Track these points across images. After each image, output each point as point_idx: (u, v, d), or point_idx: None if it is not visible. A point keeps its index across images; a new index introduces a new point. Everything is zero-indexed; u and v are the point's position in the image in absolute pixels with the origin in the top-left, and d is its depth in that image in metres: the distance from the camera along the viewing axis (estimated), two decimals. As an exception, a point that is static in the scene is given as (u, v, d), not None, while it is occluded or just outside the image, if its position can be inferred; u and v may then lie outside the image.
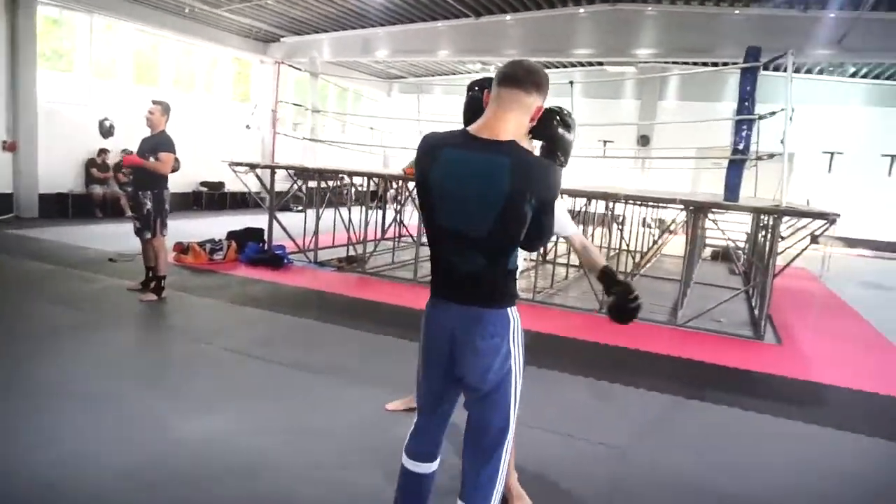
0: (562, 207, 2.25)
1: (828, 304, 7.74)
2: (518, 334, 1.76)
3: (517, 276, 1.80)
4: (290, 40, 14.10)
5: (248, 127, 14.39)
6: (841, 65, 13.86)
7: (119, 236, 7.64)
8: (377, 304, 5.81)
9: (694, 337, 5.46)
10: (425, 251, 8.58)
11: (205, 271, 6.62)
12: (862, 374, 4.67)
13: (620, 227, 7.92)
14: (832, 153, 15.24)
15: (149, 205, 5.19)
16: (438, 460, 1.95)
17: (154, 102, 5.26)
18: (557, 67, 17.02)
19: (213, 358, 3.99)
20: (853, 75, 14.75)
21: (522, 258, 1.98)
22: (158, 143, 5.14)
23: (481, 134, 1.66)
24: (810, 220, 5.71)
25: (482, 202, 1.62)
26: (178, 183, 11.84)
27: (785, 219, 5.78)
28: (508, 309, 1.75)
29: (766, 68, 5.79)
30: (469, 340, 1.72)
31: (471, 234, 1.66)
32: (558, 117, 1.93)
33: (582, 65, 16.24)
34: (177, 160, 5.27)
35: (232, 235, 7.51)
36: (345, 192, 9.60)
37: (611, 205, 7.00)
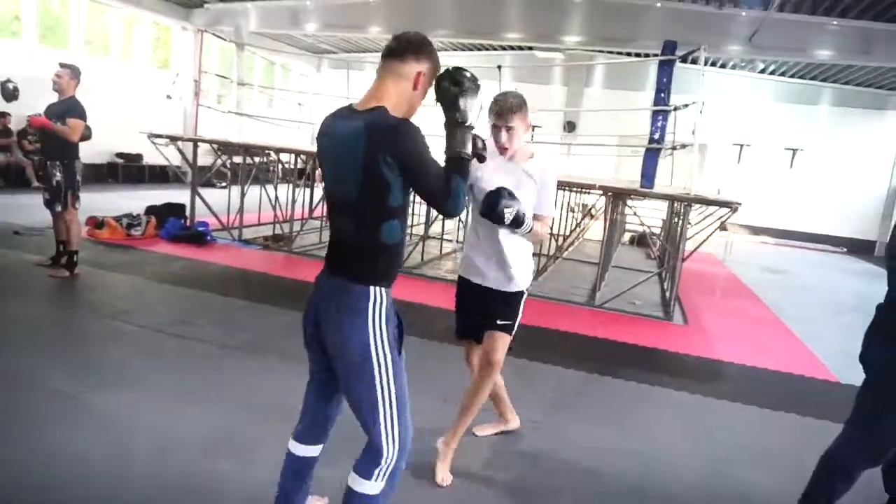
0: (554, 187, 2.60)
1: (731, 287, 8.31)
2: (379, 315, 1.75)
3: (396, 254, 1.81)
4: (214, 7, 13.52)
5: (168, 97, 13.78)
6: (752, 61, 14.71)
7: (26, 208, 7.20)
8: (303, 284, 5.78)
9: (610, 317, 5.75)
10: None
11: (121, 247, 6.36)
12: (755, 351, 5.08)
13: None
14: (741, 145, 16.21)
15: (59, 176, 4.92)
16: (319, 445, 2.02)
17: (62, 66, 4.96)
18: (488, 50, 17.17)
19: (128, 335, 3.88)
20: (762, 71, 15.70)
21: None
22: (67, 108, 4.85)
23: (359, 106, 1.75)
24: (717, 207, 6.09)
25: (347, 167, 1.70)
26: (91, 153, 11.26)
27: (696, 206, 6.16)
28: (372, 287, 1.74)
29: (683, 61, 6.10)
30: (328, 311, 1.78)
31: (343, 198, 1.74)
32: (445, 73, 1.81)
33: (512, 48, 16.45)
34: (87, 128, 5.00)
35: (151, 210, 7.23)
36: (271, 168, 9.41)
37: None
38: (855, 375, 2.31)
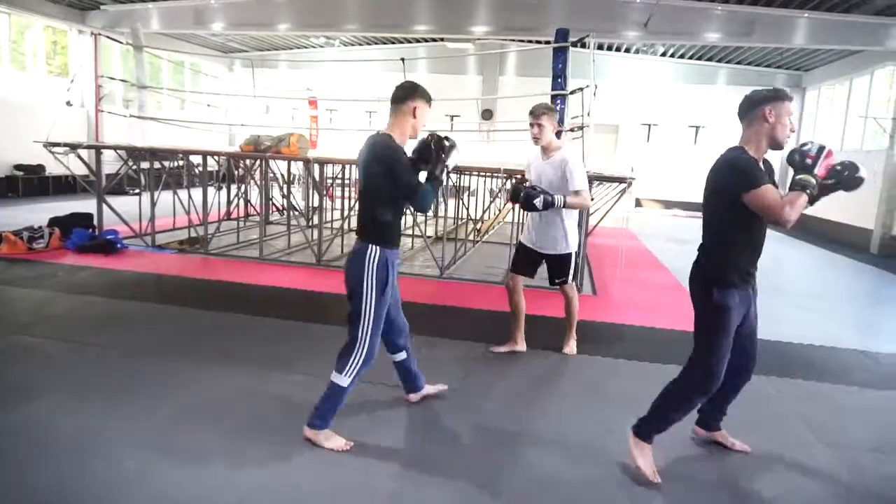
0: (578, 168, 3.78)
1: (639, 258, 8.81)
2: (373, 262, 2.68)
3: (389, 227, 2.73)
4: (111, 8, 13.01)
5: (69, 104, 13.14)
6: (652, 45, 15.48)
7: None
8: (219, 284, 5.77)
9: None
10: (272, 229, 8.57)
11: (22, 261, 6.12)
12: (656, 315, 5.47)
13: (464, 197, 8.38)
14: (650, 125, 17.05)
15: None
16: (402, 352, 3.11)
17: None
18: (401, 43, 17.28)
19: (34, 349, 3.80)
20: (664, 55, 16.55)
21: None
22: None
23: (381, 129, 2.80)
24: (616, 183, 6.45)
25: (361, 168, 2.76)
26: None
27: (605, 184, 6.50)
28: (370, 245, 2.70)
29: (583, 46, 6.42)
30: (348, 258, 2.79)
31: (361, 189, 2.79)
32: (431, 141, 2.79)
33: (425, 40, 16.63)
34: None
35: (55, 222, 6.96)
36: (183, 172, 9.21)
37: (455, 176, 7.43)
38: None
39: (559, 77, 6.33)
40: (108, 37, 8.34)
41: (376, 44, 17.60)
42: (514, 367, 4.00)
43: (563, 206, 3.71)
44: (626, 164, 14.33)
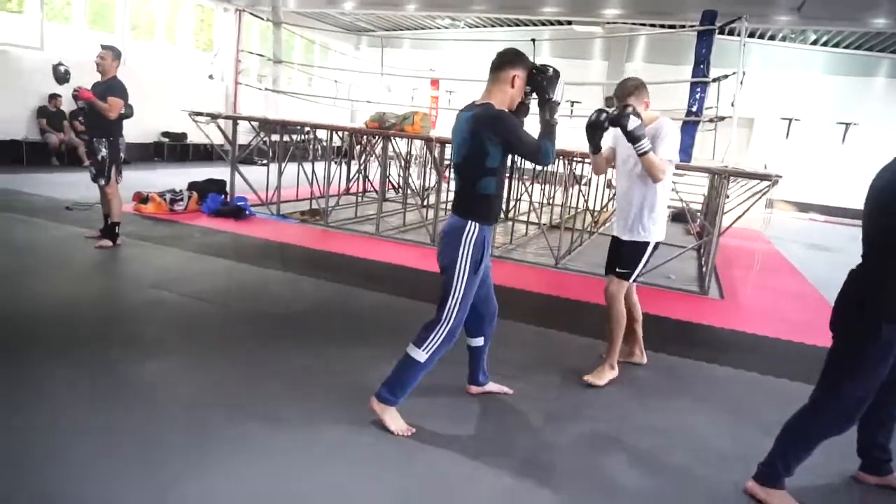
0: (669, 138, 3.23)
1: (772, 263, 8.09)
2: (470, 240, 2.55)
3: (490, 202, 2.60)
4: (254, -13, 13.70)
5: (210, 77, 14.08)
6: (802, 32, 14.12)
7: (77, 185, 7.51)
8: (335, 256, 5.92)
9: (644, 291, 5.65)
10: (388, 207, 8.70)
11: (165, 221, 6.61)
12: (791, 326, 4.97)
13: (581, 186, 8.07)
14: (790, 119, 15.63)
15: (104, 151, 5.16)
16: (481, 338, 2.97)
17: (104, 47, 5.17)
18: (527, 25, 16.93)
19: (169, 304, 4.07)
20: (814, 43, 15.05)
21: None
22: (108, 87, 5.08)
23: (478, 101, 2.60)
24: (756, 181, 5.93)
25: (458, 141, 2.59)
26: (139, 133, 11.68)
27: (735, 180, 6.01)
28: (470, 221, 2.57)
29: (721, 32, 5.92)
30: (443, 233, 2.69)
31: (457, 162, 2.64)
32: (534, 68, 2.62)
33: (551, 23, 16.18)
34: (129, 107, 5.22)
35: (193, 186, 7.46)
36: (309, 146, 9.57)
37: (572, 164, 7.15)
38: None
39: (701, 63, 5.87)
40: (251, 13, 8.72)
41: (501, 26, 17.36)
42: (625, 370, 3.76)
43: (643, 154, 3.08)
44: (759, 161, 13.25)
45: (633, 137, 3.02)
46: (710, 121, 5.95)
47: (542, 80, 2.59)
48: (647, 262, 3.38)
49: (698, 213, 10.27)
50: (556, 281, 5.83)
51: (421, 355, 2.59)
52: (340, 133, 8.48)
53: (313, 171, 7.91)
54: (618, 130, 3.19)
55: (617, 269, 3.43)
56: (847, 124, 15.15)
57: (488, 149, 2.48)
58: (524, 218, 8.32)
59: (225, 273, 4.97)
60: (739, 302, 5.71)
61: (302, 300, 4.48)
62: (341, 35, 18.57)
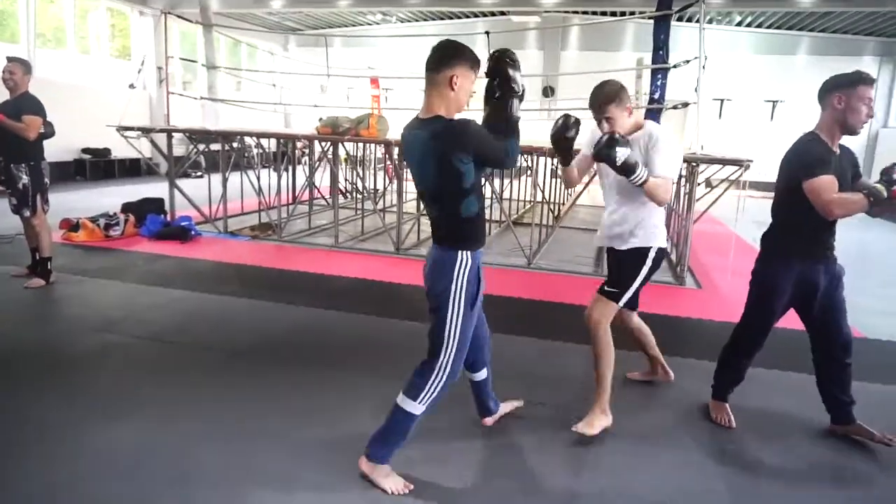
0: (666, 150, 2.59)
1: (731, 245, 8.17)
2: (463, 273, 2.19)
3: (476, 223, 2.24)
4: (172, -11, 12.85)
5: (132, 86, 13.14)
6: (728, 14, 14.50)
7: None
8: (299, 275, 5.49)
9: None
10: (342, 214, 8.27)
11: (101, 249, 5.98)
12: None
13: (533, 177, 7.90)
14: (722, 100, 16.07)
15: (25, 179, 4.54)
16: (483, 369, 2.67)
17: (10, 60, 4.52)
18: (460, 18, 16.71)
19: (121, 349, 3.58)
20: (739, 24, 15.51)
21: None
22: (22, 105, 4.43)
23: (421, 115, 2.19)
24: (721, 166, 5.90)
25: (419, 167, 2.19)
26: (56, 151, 10.68)
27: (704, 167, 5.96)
28: (459, 251, 2.20)
29: (680, 19, 5.83)
30: (429, 269, 2.28)
31: (427, 189, 2.23)
32: (495, 57, 2.22)
33: (485, 14, 16.01)
34: (49, 124, 4.59)
35: (128, 208, 6.82)
36: (247, 154, 9.04)
37: (525, 157, 6.96)
38: (883, 330, 2.18)
39: (661, 49, 5.77)
40: (178, 16, 8.07)
41: (433, 19, 17.06)
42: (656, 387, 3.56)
43: (642, 184, 2.53)
44: (695, 143, 13.56)
45: (626, 170, 2.50)
46: (675, 107, 5.86)
47: (508, 71, 2.16)
48: (647, 276, 2.75)
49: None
50: (533, 282, 5.60)
51: (416, 408, 2.25)
52: (282, 140, 7.99)
53: (258, 181, 7.39)
54: (596, 133, 2.71)
55: (605, 287, 2.79)
56: (774, 101, 15.71)
57: (461, 169, 2.10)
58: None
59: (177, 305, 4.46)
60: (719, 291, 5.65)
61: (269, 330, 4.05)
62: (268, 35, 17.80)
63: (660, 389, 3.38)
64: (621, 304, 2.77)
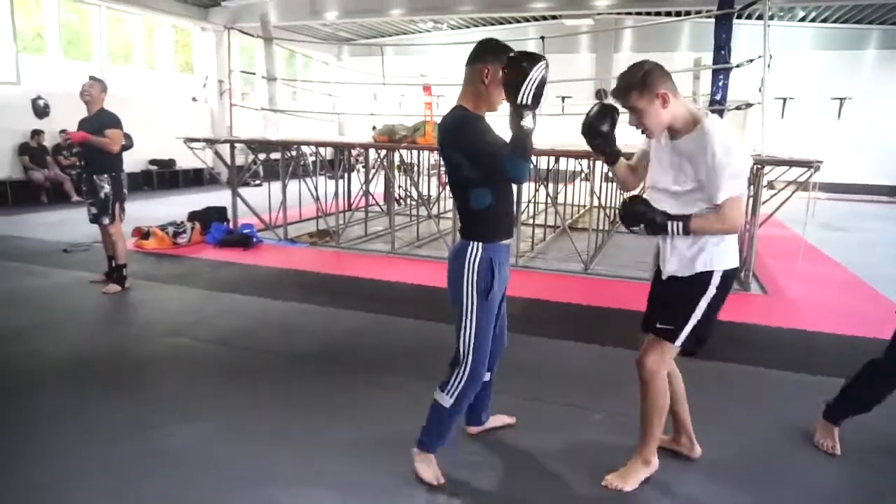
0: (714, 162, 1.98)
1: (796, 248, 7.86)
2: (473, 263, 2.20)
3: (489, 216, 2.20)
4: (232, 4, 13.33)
5: (194, 99, 13.71)
6: (791, 9, 13.97)
7: (70, 224, 7.15)
8: (357, 281, 5.59)
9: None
10: (397, 220, 8.37)
11: (170, 256, 6.24)
12: (846, 319, 4.72)
13: (590, 182, 7.79)
14: (784, 99, 15.47)
15: (107, 188, 4.81)
16: (487, 373, 2.50)
17: (92, 79, 4.83)
18: (510, 23, 16.70)
19: (190, 353, 3.72)
20: (802, 20, 14.93)
21: None
22: (103, 121, 4.72)
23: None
24: (787, 168, 5.70)
25: (440, 153, 2.27)
26: (126, 163, 11.21)
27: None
28: (471, 241, 2.22)
29: (739, 16, 5.67)
30: (448, 259, 2.33)
31: (449, 177, 2.25)
32: (509, 58, 2.02)
33: (536, 19, 15.94)
34: (128, 137, 4.88)
35: (194, 216, 7.09)
36: (304, 162, 9.26)
37: (579, 162, 6.88)
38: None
39: (722, 48, 5.61)
40: (240, 30, 8.37)
41: (485, 25, 17.10)
42: (689, 377, 3.46)
43: (684, 233, 2.11)
44: (760, 144, 13.09)
45: (655, 231, 2.16)
46: (738, 108, 5.69)
47: (513, 76, 1.97)
48: (713, 306, 2.20)
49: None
50: (591, 288, 5.53)
51: (446, 400, 2.31)
52: (338, 148, 8.15)
53: (316, 188, 7.55)
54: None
55: (658, 325, 2.28)
56: (842, 99, 15.03)
57: (460, 160, 2.13)
58: (531, 221, 7.99)
59: (243, 310, 4.61)
60: (785, 295, 5.45)
61: (329, 334, 4.14)
62: (322, 46, 18.21)
63: (727, 405, 3.28)
64: (679, 343, 2.24)
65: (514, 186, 2.41)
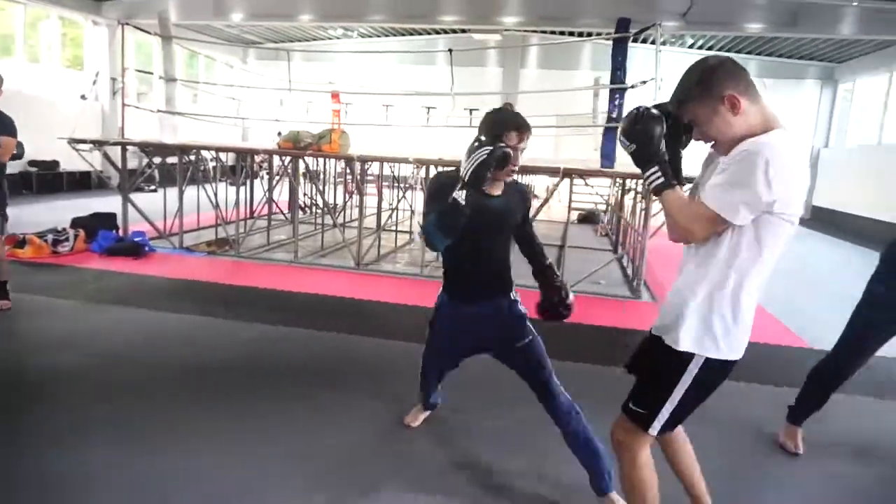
0: (730, 170, 1.55)
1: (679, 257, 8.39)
2: (437, 305, 2.48)
3: (449, 274, 2.38)
4: (128, -1, 12.59)
5: (83, 97, 12.81)
6: (681, 37, 15.01)
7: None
8: (259, 291, 5.39)
9: (579, 300, 5.61)
10: (303, 228, 8.17)
11: (49, 266, 5.76)
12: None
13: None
14: (674, 120, 16.52)
15: (-14, 200, 4.34)
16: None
17: None
18: (421, 34, 16.86)
19: (76, 371, 3.43)
20: (691, 47, 16.07)
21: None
22: None
23: None
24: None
25: None
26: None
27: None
28: (442, 288, 2.47)
29: (635, 40, 6.01)
30: None
31: None
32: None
33: (446, 32, 16.18)
34: (20, 145, 4.40)
35: (78, 223, 6.59)
36: (203, 167, 8.88)
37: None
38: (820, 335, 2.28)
39: (619, 69, 5.92)
40: (136, 27, 7.88)
41: (395, 35, 17.16)
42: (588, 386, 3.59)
43: (654, 190, 1.70)
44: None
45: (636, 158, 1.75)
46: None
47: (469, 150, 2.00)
48: (691, 397, 1.72)
49: (604, 214, 10.59)
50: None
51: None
52: (240, 154, 7.87)
53: (216, 195, 7.24)
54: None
55: (630, 405, 1.83)
56: (725, 122, 16.28)
57: None
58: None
59: (131, 324, 4.32)
60: (673, 304, 5.78)
61: (228, 347, 3.96)
62: (226, 48, 17.58)
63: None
64: (653, 432, 1.78)
65: (488, 253, 2.31)
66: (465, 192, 1.96)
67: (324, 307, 5.04)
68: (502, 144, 2.00)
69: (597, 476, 2.28)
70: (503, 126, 2.11)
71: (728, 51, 15.72)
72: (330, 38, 17.90)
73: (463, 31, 15.41)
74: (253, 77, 17.72)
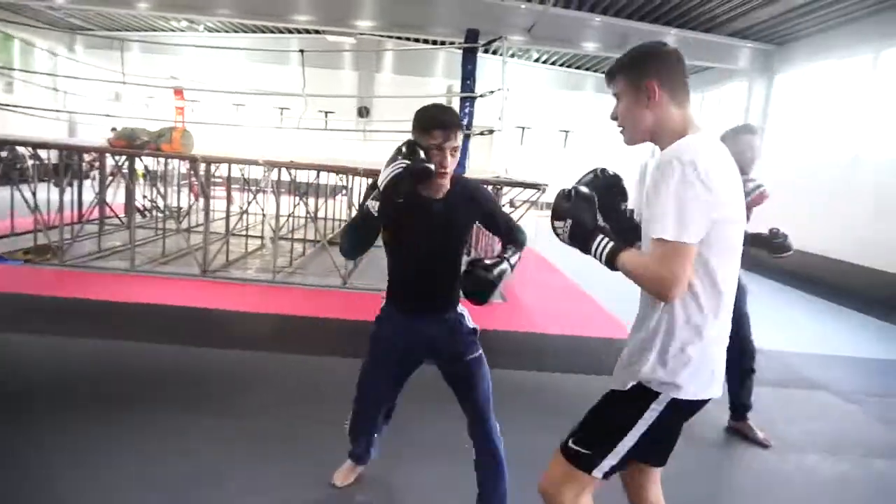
0: (660, 188, 1.41)
1: (533, 262, 8.90)
2: (379, 313, 2.26)
3: (391, 283, 2.20)
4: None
5: None
6: (527, 50, 15.92)
7: None
8: (89, 303, 4.89)
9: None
10: (142, 234, 7.51)
11: None
12: (569, 322, 5.48)
13: (348, 196, 7.92)
14: (523, 128, 17.54)
15: None
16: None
17: None
18: (273, 33, 16.34)
19: None
20: (536, 60, 17.12)
21: None
22: None
23: None
24: (522, 189, 6.41)
25: None
26: None
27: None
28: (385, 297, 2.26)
29: (486, 51, 6.27)
30: None
31: None
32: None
33: (299, 31, 15.79)
34: None
35: None
36: (18, 166, 7.92)
37: (340, 177, 6.96)
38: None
39: (468, 79, 6.14)
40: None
41: (245, 32, 16.43)
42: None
43: (606, 261, 1.56)
44: (500, 166, 14.64)
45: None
46: (481, 133, 6.26)
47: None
48: (650, 436, 1.53)
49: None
50: (349, 302, 5.58)
51: (346, 426, 2.44)
52: (63, 152, 7.07)
53: (34, 197, 6.44)
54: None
55: (569, 442, 1.61)
56: (566, 132, 17.55)
57: None
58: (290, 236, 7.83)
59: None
60: (521, 303, 6.11)
61: (53, 367, 3.54)
62: (48, 33, 15.76)
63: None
64: (597, 474, 1.56)
65: (414, 266, 2.13)
66: (377, 202, 1.86)
67: (165, 318, 4.68)
68: (423, 158, 1.86)
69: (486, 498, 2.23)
70: (427, 124, 1.93)
71: (569, 66, 16.96)
72: (173, 31, 16.73)
73: (317, 31, 15.13)
74: (82, 67, 16.08)
